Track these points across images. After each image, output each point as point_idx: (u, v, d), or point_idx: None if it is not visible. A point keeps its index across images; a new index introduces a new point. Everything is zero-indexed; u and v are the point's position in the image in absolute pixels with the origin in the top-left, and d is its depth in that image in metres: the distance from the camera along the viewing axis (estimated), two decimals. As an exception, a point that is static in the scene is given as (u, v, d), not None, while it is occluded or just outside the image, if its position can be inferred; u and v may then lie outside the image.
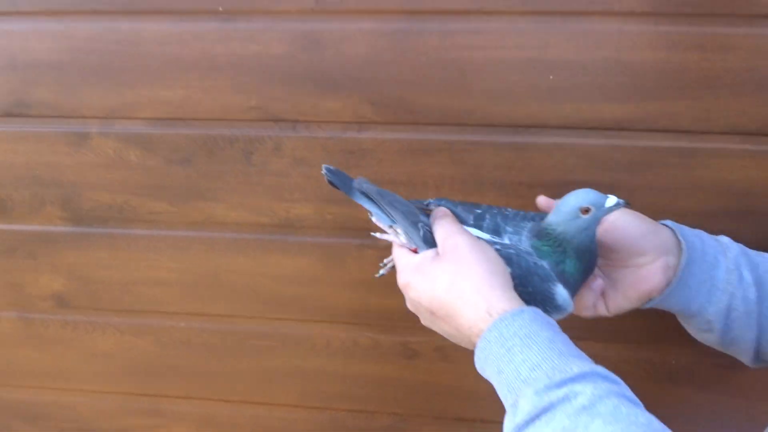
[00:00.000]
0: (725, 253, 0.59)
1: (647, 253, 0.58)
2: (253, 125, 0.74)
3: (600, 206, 0.53)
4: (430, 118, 0.71)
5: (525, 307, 0.50)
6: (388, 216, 0.59)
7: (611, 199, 0.53)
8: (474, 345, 0.51)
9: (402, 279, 0.57)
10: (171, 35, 0.70)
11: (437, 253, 0.55)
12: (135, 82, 0.73)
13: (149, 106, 0.74)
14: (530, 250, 0.56)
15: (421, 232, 0.57)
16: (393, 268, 0.61)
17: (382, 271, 0.65)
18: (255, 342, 0.86)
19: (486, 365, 0.50)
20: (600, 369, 0.46)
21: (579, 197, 0.54)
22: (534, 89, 0.67)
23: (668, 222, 0.61)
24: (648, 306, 0.60)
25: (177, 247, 0.82)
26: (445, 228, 0.56)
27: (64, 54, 0.73)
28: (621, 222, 0.58)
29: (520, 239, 0.58)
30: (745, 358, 0.61)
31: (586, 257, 0.56)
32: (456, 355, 0.82)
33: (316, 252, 0.80)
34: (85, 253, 0.84)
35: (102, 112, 0.75)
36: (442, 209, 0.60)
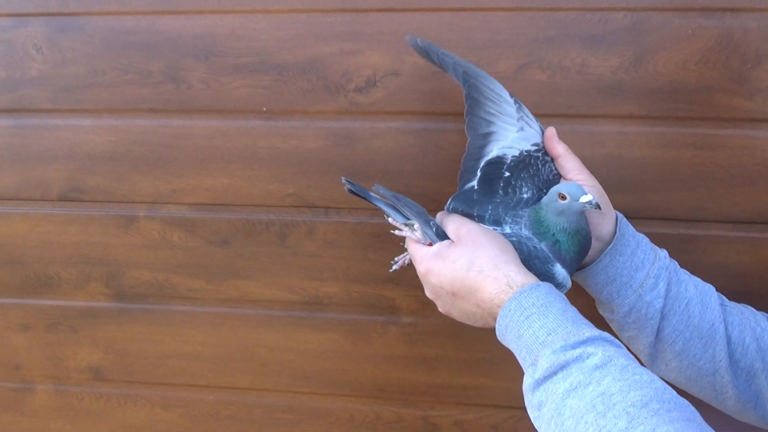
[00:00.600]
0: (653, 262, 0.65)
1: None
2: (289, 211, 0.81)
3: (575, 197, 0.59)
4: (450, 206, 0.78)
5: (540, 282, 0.57)
6: (404, 216, 0.67)
7: (587, 197, 0.59)
8: (493, 317, 0.58)
9: (422, 267, 0.63)
10: (218, 130, 0.79)
11: (452, 242, 0.62)
12: (183, 171, 0.81)
13: (194, 193, 0.82)
14: (530, 235, 0.63)
15: (434, 228, 0.64)
16: (403, 266, 0.70)
17: (395, 267, 0.71)
18: (281, 415, 0.90)
19: (507, 332, 0.56)
20: (606, 335, 0.53)
21: (562, 185, 0.61)
22: (545, 181, 0.75)
23: (620, 214, 0.67)
24: None
25: (211, 322, 0.88)
26: (455, 220, 0.64)
27: (120, 146, 0.82)
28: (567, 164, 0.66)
29: (520, 227, 0.64)
30: (642, 358, 0.67)
31: (578, 239, 0.62)
32: (473, 428, 0.86)
33: (342, 328, 0.85)
34: (123, 328, 0.89)
35: (150, 197, 0.83)
36: (444, 212, 0.68)
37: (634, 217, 0.75)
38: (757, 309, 0.77)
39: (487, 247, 0.59)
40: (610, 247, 0.64)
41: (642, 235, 0.67)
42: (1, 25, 0.79)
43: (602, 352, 0.50)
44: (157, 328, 0.89)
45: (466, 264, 0.59)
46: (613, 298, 0.65)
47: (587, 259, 0.65)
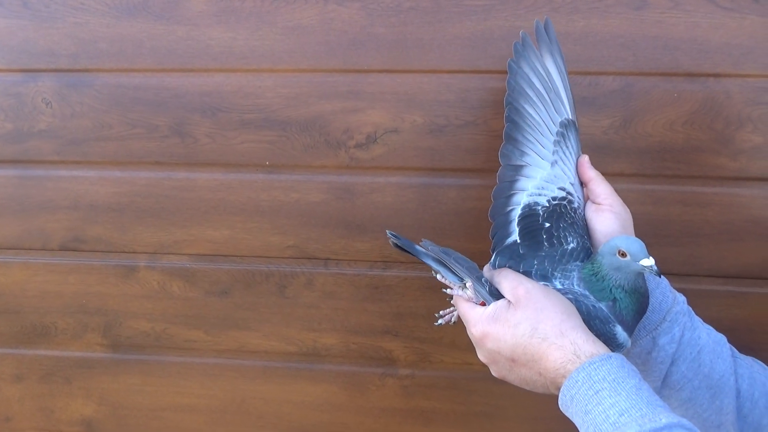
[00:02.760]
0: (671, 308, 0.64)
1: None
2: (289, 262, 0.84)
3: (636, 258, 0.57)
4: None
5: (612, 353, 0.54)
6: (453, 272, 0.64)
7: (649, 261, 0.57)
8: (557, 386, 0.55)
9: (477, 331, 0.59)
10: (222, 183, 0.83)
11: (509, 303, 0.58)
12: (185, 222, 0.85)
13: (195, 244, 0.85)
14: (585, 293, 0.61)
15: (487, 287, 0.61)
16: (449, 322, 0.68)
17: (440, 321, 0.69)
18: (276, 469, 0.91)
19: (572, 404, 0.53)
20: (685, 422, 0.49)
21: (623, 240, 0.59)
22: (540, 235, 0.79)
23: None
24: None
25: (207, 374, 0.89)
26: (510, 278, 0.60)
27: (123, 197, 0.85)
28: (611, 223, 0.65)
29: (572, 283, 0.62)
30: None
31: (636, 298, 0.60)
32: (472, 485, 0.88)
33: (339, 380, 0.87)
34: (118, 379, 0.91)
35: (151, 248, 0.86)
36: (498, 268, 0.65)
37: (627, 271, 0.79)
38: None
39: (551, 310, 0.56)
40: None
41: (665, 279, 0.66)
42: (13, 80, 0.83)
43: None
44: (153, 379, 0.90)
45: (528, 330, 0.56)
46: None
47: None
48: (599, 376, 0.52)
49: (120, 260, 0.87)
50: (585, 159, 0.68)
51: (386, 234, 0.66)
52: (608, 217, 0.65)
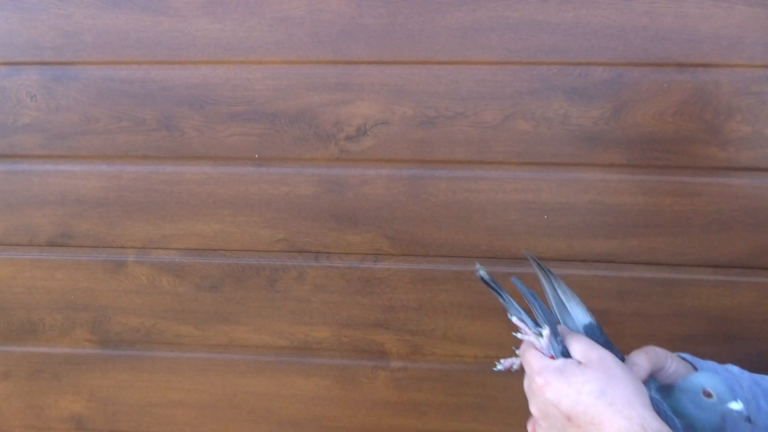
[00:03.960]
0: (740, 384, 0.62)
1: None
2: (279, 256, 0.85)
3: (723, 400, 0.55)
4: (439, 251, 0.83)
5: None
6: (532, 319, 0.63)
7: (737, 404, 0.55)
8: None
9: (540, 379, 0.57)
10: (210, 177, 0.83)
11: (580, 362, 0.57)
12: (173, 217, 0.85)
13: (184, 238, 0.85)
14: (658, 397, 0.59)
15: (561, 346, 0.59)
16: (510, 370, 0.66)
17: (500, 368, 0.67)
18: (268, 464, 0.92)
19: None
20: None
21: (708, 379, 0.57)
22: (531, 227, 0.80)
23: (687, 356, 0.65)
24: None
25: (198, 368, 0.90)
26: (582, 341, 0.59)
27: (111, 192, 0.85)
28: (676, 374, 0.61)
29: (649, 387, 0.59)
30: None
31: None
32: (464, 476, 0.89)
33: (331, 373, 0.88)
34: (108, 375, 0.91)
35: (140, 242, 0.86)
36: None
37: (618, 261, 0.81)
38: (738, 352, 0.82)
39: (623, 380, 0.54)
40: None
41: (710, 362, 0.65)
42: (-4, 73, 0.83)
43: None
44: (143, 374, 0.91)
45: (596, 390, 0.53)
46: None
47: None
48: None
49: (108, 255, 0.87)
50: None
51: (475, 267, 0.65)
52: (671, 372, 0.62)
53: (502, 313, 0.84)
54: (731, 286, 0.80)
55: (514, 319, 0.64)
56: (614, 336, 0.82)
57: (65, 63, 0.82)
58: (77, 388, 0.92)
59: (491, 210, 0.81)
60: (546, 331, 0.61)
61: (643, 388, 0.55)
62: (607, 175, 0.79)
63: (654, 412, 0.53)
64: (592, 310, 0.78)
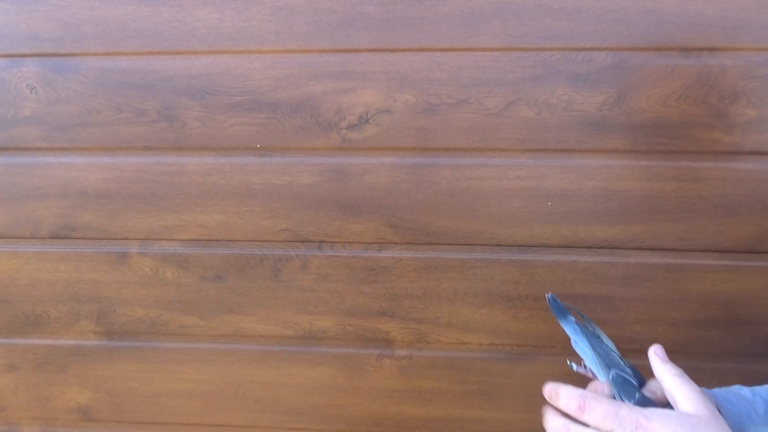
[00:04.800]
0: (755, 409, 0.60)
1: None
2: (283, 246, 0.85)
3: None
4: (443, 239, 0.83)
5: None
6: (597, 367, 0.59)
7: None
8: None
9: (634, 417, 0.52)
10: (213, 167, 0.84)
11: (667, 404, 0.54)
12: (176, 208, 0.85)
13: (187, 229, 0.86)
14: None
15: (635, 399, 0.55)
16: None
17: (575, 368, 0.64)
18: (275, 453, 0.93)
19: None
20: None
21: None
22: (535, 214, 0.81)
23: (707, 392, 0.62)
24: None
25: (203, 359, 0.91)
26: (690, 388, 0.54)
27: (113, 183, 0.85)
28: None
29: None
30: None
31: None
32: (470, 463, 0.90)
33: (336, 362, 0.89)
34: (113, 366, 0.92)
35: (143, 234, 0.87)
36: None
37: (623, 247, 0.81)
38: (743, 336, 0.82)
39: None
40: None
41: (719, 390, 0.62)
42: (-5, 65, 0.83)
43: None
44: (149, 365, 0.92)
45: None
46: None
47: None
48: None
49: (111, 247, 0.88)
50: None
51: (546, 296, 0.64)
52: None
53: (507, 300, 0.85)
54: (737, 270, 0.81)
55: (576, 368, 0.62)
56: (619, 322, 0.83)
57: (64, 54, 0.82)
58: (83, 380, 0.93)
59: (495, 197, 0.81)
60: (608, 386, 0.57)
61: None
62: (611, 161, 0.79)
63: None
64: (597, 296, 0.79)
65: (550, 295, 0.64)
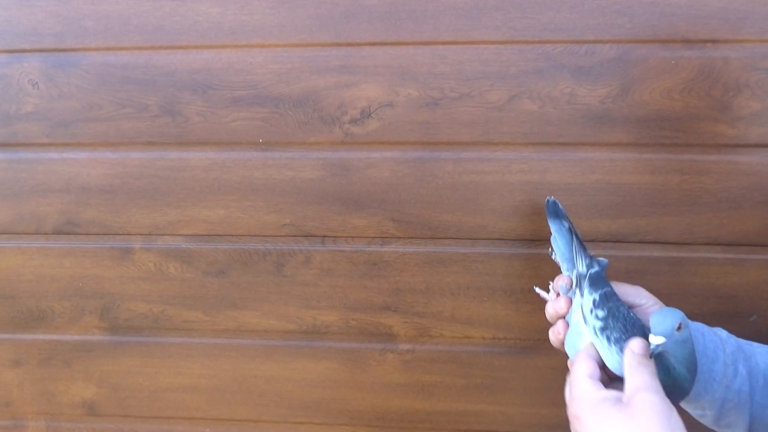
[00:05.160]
0: (724, 348, 0.67)
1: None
2: (286, 240, 0.86)
3: (686, 324, 0.58)
4: (446, 233, 0.83)
5: None
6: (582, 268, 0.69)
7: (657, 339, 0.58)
8: None
9: (574, 409, 0.58)
10: (215, 162, 0.84)
11: (620, 400, 0.56)
12: (179, 203, 0.85)
13: (191, 224, 0.86)
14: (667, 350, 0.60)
15: (603, 291, 0.63)
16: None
17: (540, 293, 0.72)
18: (279, 446, 0.94)
19: None
20: None
21: (674, 316, 0.58)
22: (537, 207, 0.81)
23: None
24: None
25: (207, 354, 0.91)
26: (640, 378, 0.57)
27: (116, 179, 0.86)
28: (639, 300, 0.67)
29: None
30: None
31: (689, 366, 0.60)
32: (474, 456, 0.91)
33: (340, 357, 0.89)
34: (118, 361, 0.93)
35: (146, 229, 0.87)
36: (642, 344, 0.60)
37: (626, 241, 0.81)
38: (746, 330, 0.82)
39: None
40: None
41: (699, 323, 0.67)
42: (-3, 61, 0.83)
43: None
44: (153, 360, 0.92)
45: None
46: (701, 396, 0.65)
47: None
48: None
49: (115, 242, 0.88)
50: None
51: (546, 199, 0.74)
52: (653, 311, 0.65)
53: (510, 294, 0.85)
54: (740, 264, 0.81)
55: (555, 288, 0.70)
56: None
57: (66, 50, 0.82)
58: (88, 375, 0.94)
59: (497, 191, 0.81)
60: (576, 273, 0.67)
61: None
62: (614, 155, 0.79)
63: None
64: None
65: (552, 198, 0.71)
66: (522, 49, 0.77)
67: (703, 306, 0.82)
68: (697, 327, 0.67)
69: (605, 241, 0.81)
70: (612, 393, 0.57)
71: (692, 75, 0.75)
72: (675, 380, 0.59)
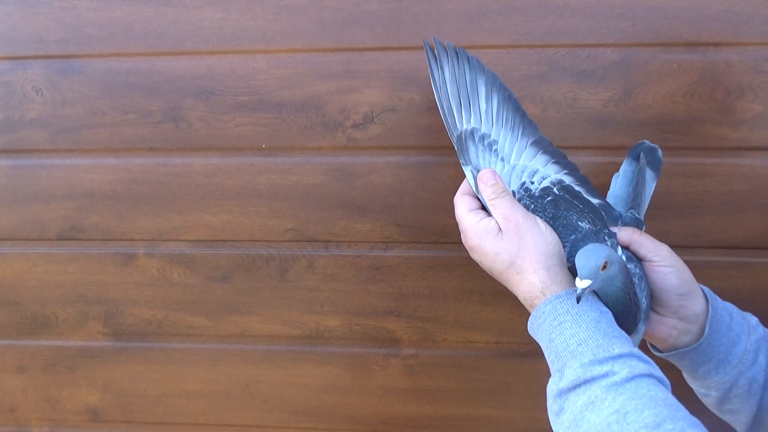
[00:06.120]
0: (749, 333, 0.66)
1: (670, 311, 0.65)
2: (289, 245, 0.86)
3: (613, 261, 0.58)
4: (448, 237, 0.83)
5: (575, 289, 0.59)
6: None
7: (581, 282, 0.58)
8: (528, 308, 0.62)
9: (468, 242, 0.66)
10: (218, 168, 0.84)
11: (499, 229, 0.64)
12: (182, 208, 0.86)
13: (194, 230, 0.86)
14: (632, 266, 0.64)
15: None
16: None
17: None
18: (283, 452, 0.93)
19: (537, 331, 0.61)
20: (637, 351, 0.56)
21: (598, 254, 0.58)
22: (541, 211, 0.81)
23: (705, 289, 0.67)
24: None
25: (211, 359, 0.91)
26: (505, 205, 0.64)
27: (119, 184, 0.86)
28: (668, 277, 0.65)
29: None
30: (738, 428, 0.68)
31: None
32: (478, 461, 0.90)
33: (343, 362, 0.89)
34: (122, 367, 0.92)
35: (149, 235, 0.87)
36: (489, 173, 0.67)
37: (629, 244, 0.80)
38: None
39: (531, 249, 0.62)
40: (707, 327, 0.64)
41: (731, 305, 0.67)
42: (1, 68, 0.83)
43: (628, 370, 0.53)
44: (156, 366, 0.92)
45: (507, 261, 0.62)
46: (710, 376, 0.65)
47: (681, 341, 0.65)
48: (563, 309, 0.58)
49: (118, 248, 0.88)
50: (627, 232, 0.67)
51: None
52: (664, 271, 0.65)
53: (513, 297, 0.84)
54: (744, 267, 0.80)
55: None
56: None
57: (69, 56, 0.82)
58: (91, 381, 0.93)
59: (501, 195, 0.81)
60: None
61: (554, 250, 0.62)
62: (618, 158, 0.78)
63: (559, 271, 0.61)
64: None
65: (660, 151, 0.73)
66: (525, 54, 0.77)
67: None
68: (727, 307, 0.67)
69: (609, 245, 0.81)
70: (491, 225, 0.64)
71: (695, 78, 0.75)
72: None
